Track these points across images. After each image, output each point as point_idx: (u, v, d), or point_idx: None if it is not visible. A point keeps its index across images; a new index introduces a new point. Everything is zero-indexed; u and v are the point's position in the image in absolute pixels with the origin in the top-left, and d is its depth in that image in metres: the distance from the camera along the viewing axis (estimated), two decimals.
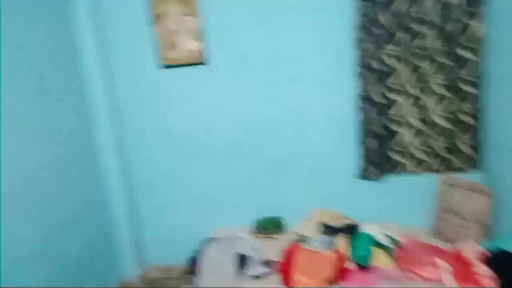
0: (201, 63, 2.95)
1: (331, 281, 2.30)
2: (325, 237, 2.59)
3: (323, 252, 2.45)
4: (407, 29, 2.66)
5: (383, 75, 2.73)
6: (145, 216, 3.31)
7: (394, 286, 2.19)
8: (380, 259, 2.40)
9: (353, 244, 2.48)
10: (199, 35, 2.91)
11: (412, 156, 2.86)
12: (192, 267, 2.72)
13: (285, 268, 2.42)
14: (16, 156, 2.29)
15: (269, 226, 2.97)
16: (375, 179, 2.88)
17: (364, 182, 2.92)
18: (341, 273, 2.35)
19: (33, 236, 2.39)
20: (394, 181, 2.91)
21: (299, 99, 2.92)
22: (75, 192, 2.81)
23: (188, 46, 2.94)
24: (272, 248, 2.70)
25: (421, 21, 2.63)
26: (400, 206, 2.88)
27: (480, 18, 2.55)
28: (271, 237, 2.91)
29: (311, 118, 2.93)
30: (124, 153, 3.18)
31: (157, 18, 2.92)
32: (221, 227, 3.04)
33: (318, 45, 2.82)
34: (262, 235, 2.92)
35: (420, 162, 2.86)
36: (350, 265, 2.42)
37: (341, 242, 2.52)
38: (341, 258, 2.41)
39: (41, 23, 2.58)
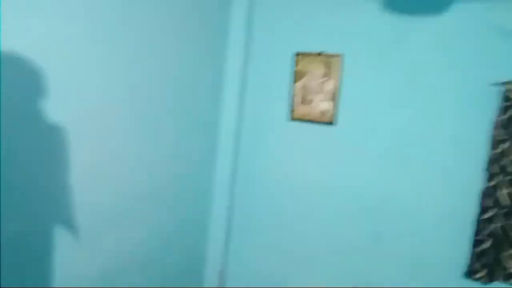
0: (329, 123, 3.07)
1: None
2: None
3: None
4: None
5: None
6: (235, 256, 3.43)
7: None
8: None
9: None
10: (332, 97, 3.05)
11: None
12: None
13: None
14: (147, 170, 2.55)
15: None
16: (484, 282, 2.73)
17: (469, 283, 2.78)
18: None
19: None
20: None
21: (417, 180, 2.90)
22: (181, 216, 3.02)
23: (321, 105, 3.09)
24: None
25: None
26: None
27: None
28: None
29: (424, 203, 2.89)
30: (233, 192, 3.37)
31: (298, 75, 3.13)
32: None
33: (449, 133, 2.81)
34: None
35: None
36: None
37: None
38: None
39: (200, 54, 2.91)
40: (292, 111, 3.17)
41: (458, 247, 2.82)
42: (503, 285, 2.74)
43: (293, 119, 3.17)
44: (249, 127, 3.30)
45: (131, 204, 2.42)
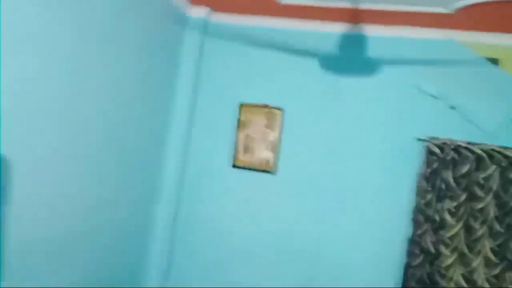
0: (269, 171, 3.23)
1: None
2: None
3: None
4: (468, 191, 2.88)
5: (439, 228, 2.90)
6: None
7: None
8: None
9: None
10: (273, 147, 3.24)
11: None
12: None
13: None
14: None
15: None
16: None
17: None
18: None
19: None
20: None
21: (349, 228, 3.11)
22: (118, 259, 2.98)
23: (262, 154, 3.26)
24: None
25: (483, 188, 2.85)
26: None
27: None
28: None
29: (355, 249, 3.09)
30: (173, 237, 3.38)
31: (242, 124, 3.30)
32: None
33: (379, 183, 3.08)
34: None
35: None
36: None
37: None
38: None
39: (148, 99, 3.00)
40: (235, 158, 3.30)
41: None
42: None
43: (236, 166, 3.30)
44: (193, 172, 3.38)
45: (67, 242, 2.36)
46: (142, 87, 2.89)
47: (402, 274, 2.96)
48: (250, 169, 3.29)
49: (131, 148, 2.87)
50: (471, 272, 2.87)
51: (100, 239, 2.68)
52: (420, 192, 2.95)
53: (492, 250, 2.83)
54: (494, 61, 2.93)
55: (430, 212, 2.91)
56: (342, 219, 3.13)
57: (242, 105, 3.31)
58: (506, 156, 2.82)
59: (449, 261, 2.90)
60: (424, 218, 2.93)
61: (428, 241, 2.91)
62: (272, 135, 3.25)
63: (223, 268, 3.30)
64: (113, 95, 2.58)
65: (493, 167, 2.84)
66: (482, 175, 2.86)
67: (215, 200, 3.35)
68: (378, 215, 3.08)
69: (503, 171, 2.83)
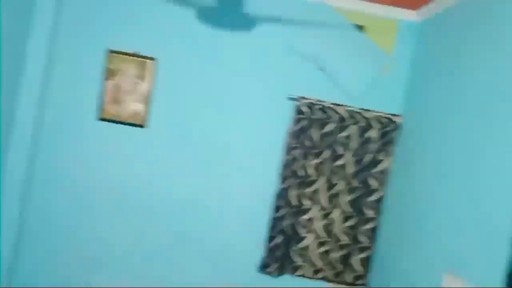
0: (140, 125, 3.10)
1: None
2: None
3: None
4: (331, 149, 3.10)
5: (303, 183, 3.09)
6: (28, 261, 3.13)
7: None
8: None
9: None
10: (144, 99, 3.09)
11: (311, 263, 3.14)
12: None
13: None
14: None
15: None
16: (274, 275, 3.08)
17: (261, 274, 3.12)
18: None
19: None
20: (290, 282, 3.14)
21: (221, 182, 3.17)
22: None
23: (132, 106, 3.10)
24: None
25: (344, 146, 3.09)
26: None
27: (389, 154, 3.09)
28: None
29: (226, 203, 3.17)
30: (28, 193, 3.09)
31: (110, 73, 3.08)
32: None
33: (251, 139, 3.17)
34: None
35: (317, 269, 3.14)
36: None
37: None
38: None
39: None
40: (102, 110, 3.09)
41: (256, 244, 3.15)
42: (291, 276, 3.15)
43: (103, 118, 3.09)
44: (52, 125, 3.08)
45: None
46: None
47: (270, 226, 3.11)
48: (118, 122, 3.11)
49: None
50: (330, 224, 3.13)
51: None
52: (288, 149, 3.09)
53: (349, 203, 3.12)
54: (360, 28, 3.13)
55: (296, 167, 3.08)
56: (213, 174, 3.17)
57: (110, 52, 3.07)
58: (365, 118, 3.08)
59: (314, 215, 3.12)
60: (291, 173, 3.08)
61: (293, 195, 3.08)
62: (144, 86, 3.10)
63: (85, 226, 3.13)
64: None
65: (354, 127, 3.09)
66: (344, 134, 3.09)
67: (76, 156, 3.11)
68: (250, 170, 3.18)
69: (362, 132, 3.09)
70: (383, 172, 3.10)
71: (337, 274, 3.16)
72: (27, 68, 2.95)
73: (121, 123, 3.11)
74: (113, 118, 3.10)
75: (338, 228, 3.13)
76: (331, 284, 3.14)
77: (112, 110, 3.10)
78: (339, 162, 3.11)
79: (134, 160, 3.14)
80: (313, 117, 3.08)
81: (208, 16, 3.12)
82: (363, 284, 3.15)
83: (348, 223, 3.13)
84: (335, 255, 3.14)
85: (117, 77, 3.09)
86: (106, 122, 3.10)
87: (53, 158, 3.09)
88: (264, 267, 3.10)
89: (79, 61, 3.09)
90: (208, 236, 3.17)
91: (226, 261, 3.17)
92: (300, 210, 3.11)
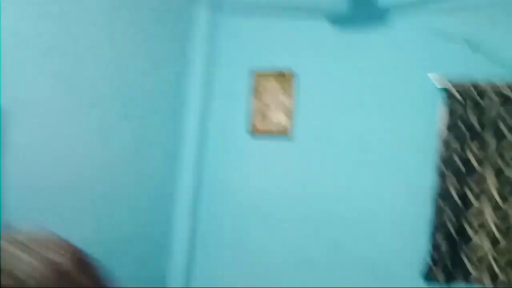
0: (286, 136, 3.24)
1: None
2: None
3: None
4: (496, 135, 2.69)
5: (465, 175, 2.73)
6: (198, 272, 3.45)
7: None
8: None
9: None
10: (289, 111, 3.23)
11: (489, 268, 2.69)
12: None
13: None
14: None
15: None
16: (442, 284, 2.74)
17: (426, 282, 2.79)
18: None
19: None
20: None
21: (373, 185, 3.02)
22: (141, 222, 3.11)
23: (278, 119, 3.27)
24: None
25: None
26: None
27: None
28: None
29: (381, 206, 2.99)
30: (197, 206, 3.46)
31: (256, 91, 3.33)
32: None
33: (401, 137, 2.97)
34: None
35: (496, 276, 2.68)
36: None
37: None
38: None
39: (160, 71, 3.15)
40: (252, 126, 3.34)
41: (417, 248, 2.87)
42: (463, 285, 2.75)
43: (253, 133, 3.33)
44: (213, 143, 3.47)
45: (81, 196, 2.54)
46: (152, 57, 3.05)
47: (432, 230, 2.81)
48: (267, 135, 3.31)
49: (145, 119, 3.02)
50: (505, 219, 2.66)
51: (120, 200, 2.85)
52: (444, 141, 2.79)
53: None
54: None
55: (456, 160, 2.75)
56: (365, 178, 3.05)
57: (255, 72, 3.35)
58: None
59: (483, 212, 2.71)
60: (450, 167, 2.76)
61: (455, 191, 2.74)
62: (287, 100, 3.25)
63: (246, 236, 3.34)
64: (121, 65, 2.76)
65: None
66: (510, 116, 2.66)
67: (236, 168, 3.41)
68: (403, 169, 2.96)
69: None
70: None
71: None
72: (188, 94, 3.44)
73: (270, 135, 3.30)
74: (263, 132, 3.32)
75: None
76: None
77: (260, 126, 3.32)
78: (507, 145, 2.66)
79: (285, 170, 3.26)
80: (469, 102, 2.74)
81: (340, 19, 3.15)
82: None
83: None
84: None
85: (262, 94, 3.32)
86: (257, 136, 3.33)
87: (215, 172, 3.45)
88: (429, 275, 2.78)
89: (230, 82, 3.46)
90: (362, 243, 3.02)
91: (385, 269, 2.93)
92: (465, 208, 2.74)
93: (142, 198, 3.08)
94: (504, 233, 2.66)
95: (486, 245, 2.70)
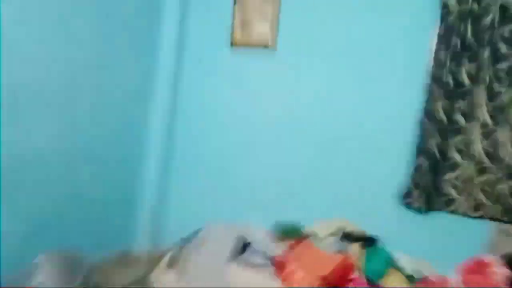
0: (270, 47, 2.98)
1: (330, 283, 2.02)
2: (339, 242, 2.32)
3: (330, 253, 2.19)
4: (491, 49, 2.44)
5: (455, 94, 2.50)
6: (173, 195, 3.29)
7: None
8: (394, 282, 2.07)
9: (367, 256, 2.18)
10: (273, 21, 2.96)
11: (469, 195, 2.50)
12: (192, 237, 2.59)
13: (282, 258, 2.20)
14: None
15: (288, 231, 2.73)
16: (419, 208, 2.55)
17: (405, 209, 2.62)
18: (343, 280, 2.06)
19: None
20: (439, 217, 2.57)
21: (359, 101, 2.79)
22: (113, 146, 2.93)
23: (261, 30, 3.00)
24: (282, 249, 2.46)
25: (508, 41, 2.39)
26: (436, 244, 2.52)
27: None
28: (285, 242, 2.65)
29: (363, 124, 2.77)
30: (173, 125, 3.24)
31: (238, 0, 3.05)
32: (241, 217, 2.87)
33: (391, 50, 2.71)
34: (277, 237, 2.70)
35: (477, 204, 2.49)
36: (358, 277, 2.11)
37: (355, 251, 2.23)
38: (348, 265, 2.13)
39: None
40: (234, 38, 3.07)
41: (399, 171, 2.67)
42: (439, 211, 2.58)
43: (235, 46, 3.07)
44: (191, 56, 3.21)
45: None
46: None
47: (415, 151, 2.60)
48: (248, 47, 3.05)
49: (117, 29, 2.78)
50: (494, 145, 2.45)
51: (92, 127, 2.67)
52: (435, 53, 2.54)
53: None
54: None
55: (445, 75, 2.50)
56: (352, 94, 2.81)
57: None
58: None
59: (471, 136, 2.50)
60: (439, 82, 2.52)
61: (441, 109, 2.51)
62: (271, 9, 2.97)
63: (226, 161, 3.14)
64: None
65: None
66: (508, 28, 2.40)
67: (215, 85, 3.16)
68: (389, 87, 2.71)
69: None
70: None
71: (506, 211, 2.44)
72: (166, 2, 3.13)
73: (251, 46, 3.03)
74: (244, 44, 3.05)
75: (505, 150, 2.43)
76: (496, 224, 2.43)
77: (241, 35, 3.05)
78: (504, 64, 2.41)
79: (268, 86, 3.02)
80: (463, 9, 2.47)
81: None
82: None
83: None
84: (503, 186, 2.43)
85: (245, 4, 3.04)
86: (237, 48, 3.07)
87: (192, 90, 3.21)
88: (406, 198, 2.59)
89: None
90: (346, 165, 2.82)
91: (363, 192, 2.75)
92: (452, 129, 2.52)
93: (110, 116, 2.85)
94: (493, 161, 2.45)
95: (470, 170, 2.50)
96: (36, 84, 2.26)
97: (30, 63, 2.22)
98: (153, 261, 2.67)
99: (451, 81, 2.49)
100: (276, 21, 2.97)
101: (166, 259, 2.39)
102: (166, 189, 3.29)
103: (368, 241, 2.33)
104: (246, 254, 2.33)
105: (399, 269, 2.11)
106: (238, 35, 3.07)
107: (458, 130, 2.51)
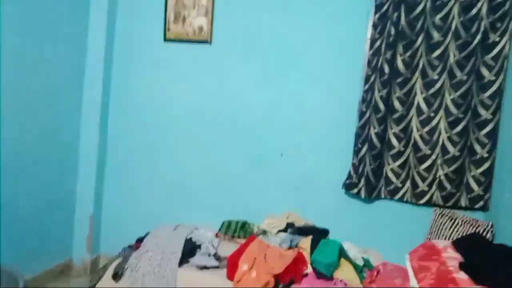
0: (205, 41, 2.91)
1: (280, 278, 2.00)
2: (289, 236, 2.32)
3: (280, 248, 2.18)
4: (425, 37, 2.52)
5: (393, 82, 2.56)
6: (108, 194, 3.15)
7: None
8: (345, 273, 2.09)
9: (318, 249, 2.18)
10: (207, 12, 2.89)
11: (412, 184, 2.59)
12: (137, 244, 2.47)
13: (233, 259, 2.15)
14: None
15: (236, 229, 2.69)
16: (363, 196, 2.61)
17: (350, 197, 2.68)
18: (295, 274, 2.05)
19: None
20: (383, 204, 2.67)
21: (296, 93, 2.81)
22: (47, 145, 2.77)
23: (196, 22, 2.93)
24: (232, 249, 2.41)
25: (443, 30, 2.48)
26: (383, 232, 2.61)
27: (505, 33, 2.40)
28: (235, 242, 2.61)
29: (306, 116, 2.79)
30: (105, 120, 3.09)
31: None
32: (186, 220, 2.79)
33: (328, 39, 2.74)
34: (226, 237, 2.65)
35: (419, 190, 2.58)
36: (309, 270, 2.11)
37: (305, 245, 2.23)
38: (301, 260, 2.12)
39: None
40: (165, 29, 2.97)
41: (342, 159, 2.71)
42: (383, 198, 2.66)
43: (168, 39, 2.97)
44: (121, 51, 3.06)
45: None
46: None
47: (357, 140, 2.64)
48: (184, 41, 2.96)
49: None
50: (433, 132, 2.54)
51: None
52: (371, 42, 2.61)
53: (454, 101, 2.50)
54: None
55: (382, 63, 2.56)
56: (289, 86, 2.82)
57: None
58: None
59: (411, 123, 2.58)
60: (376, 71, 2.58)
61: (380, 98, 2.57)
62: (206, 1, 2.90)
63: (160, 154, 3.05)
64: None
65: (452, 4, 2.46)
66: (439, 15, 2.49)
67: (148, 78, 3.05)
68: (327, 75, 2.76)
69: (464, 8, 2.45)
70: (498, 56, 2.41)
71: (447, 197, 2.54)
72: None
73: (187, 41, 2.95)
74: (178, 37, 2.96)
75: (444, 136, 2.53)
76: (439, 209, 2.53)
77: (176, 29, 2.95)
78: (437, 51, 2.51)
79: (203, 79, 2.95)
80: (399, 4, 2.53)
81: None
82: (482, 208, 2.50)
83: (457, 129, 2.50)
84: (443, 172, 2.54)
85: None
86: (172, 42, 2.97)
87: (124, 85, 3.07)
88: (351, 186, 2.64)
89: None
90: (287, 157, 2.83)
91: (309, 183, 2.78)
92: (392, 119, 2.59)
93: (39, 117, 2.68)
94: (433, 148, 2.54)
95: (412, 157, 2.59)
96: None
97: None
98: (97, 272, 2.53)
99: (385, 67, 2.55)
100: (211, 14, 2.90)
101: (111, 268, 2.26)
102: (102, 193, 3.15)
103: (318, 234, 2.34)
104: (196, 257, 2.26)
105: (349, 260, 2.14)
106: (172, 29, 2.97)
107: (400, 119, 2.58)
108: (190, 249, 2.30)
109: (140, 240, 2.50)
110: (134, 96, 3.07)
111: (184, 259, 2.25)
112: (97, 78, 3.00)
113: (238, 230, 2.67)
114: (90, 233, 3.06)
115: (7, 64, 2.36)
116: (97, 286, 2.27)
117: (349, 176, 2.64)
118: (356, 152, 2.63)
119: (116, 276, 2.23)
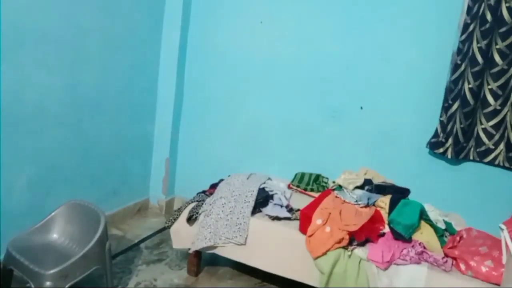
0: None
1: (356, 236, 1.94)
2: (366, 193, 2.23)
3: (355, 205, 2.11)
4: None
5: (495, 32, 2.29)
6: (183, 139, 3.22)
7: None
8: (425, 236, 1.99)
9: (397, 209, 2.08)
10: None
11: (507, 144, 2.36)
12: (211, 190, 2.52)
13: (307, 212, 2.11)
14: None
15: (309, 182, 2.64)
16: (449, 156, 2.43)
17: (434, 157, 2.51)
18: (371, 233, 1.97)
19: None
20: (470, 166, 2.47)
21: (380, 42, 2.61)
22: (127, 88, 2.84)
23: None
24: (303, 201, 2.37)
25: None
26: (469, 197, 2.44)
27: None
28: (308, 194, 2.57)
29: (390, 67, 2.60)
30: (182, 66, 3.11)
31: None
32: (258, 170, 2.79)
33: None
34: (299, 190, 2.61)
35: None
36: (386, 230, 2.03)
37: (384, 204, 2.14)
38: (376, 218, 2.04)
39: None
40: None
41: (416, 117, 2.55)
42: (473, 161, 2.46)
43: None
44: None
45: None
46: None
47: (448, 95, 2.43)
48: None
49: None
50: None
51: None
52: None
53: None
54: None
55: (479, 8, 2.29)
56: (372, 32, 2.62)
57: None
58: None
59: (502, 73, 2.31)
60: (471, 18, 2.32)
61: (475, 47, 2.31)
62: None
63: (236, 104, 3.03)
64: None
65: None
66: None
67: (224, 24, 2.99)
68: (419, 25, 2.51)
69: None
70: None
71: None
72: None
73: None
74: None
75: None
76: None
77: None
78: None
79: (280, 25, 2.83)
80: None
81: None
82: None
83: None
84: None
85: None
86: None
87: (201, 31, 3.05)
88: (437, 145, 2.46)
89: None
90: (367, 112, 2.68)
91: (389, 140, 2.63)
92: (490, 73, 2.34)
93: (125, 57, 2.74)
94: None
95: (508, 115, 2.35)
96: (39, 25, 2.12)
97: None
98: (172, 213, 2.62)
99: (489, 17, 2.28)
100: None
101: (186, 211, 2.33)
102: (178, 137, 3.23)
103: (399, 193, 2.23)
104: (268, 207, 2.26)
105: (430, 222, 2.03)
106: None
107: (496, 73, 2.33)
108: (263, 199, 2.30)
109: (213, 186, 2.55)
110: (211, 42, 3.02)
111: (257, 208, 2.26)
112: (175, 22, 2.99)
113: (312, 183, 2.63)
114: (166, 175, 3.18)
115: (90, 7, 2.39)
116: (172, 227, 2.36)
117: (436, 135, 2.46)
118: (445, 108, 2.43)
119: (190, 219, 2.30)
